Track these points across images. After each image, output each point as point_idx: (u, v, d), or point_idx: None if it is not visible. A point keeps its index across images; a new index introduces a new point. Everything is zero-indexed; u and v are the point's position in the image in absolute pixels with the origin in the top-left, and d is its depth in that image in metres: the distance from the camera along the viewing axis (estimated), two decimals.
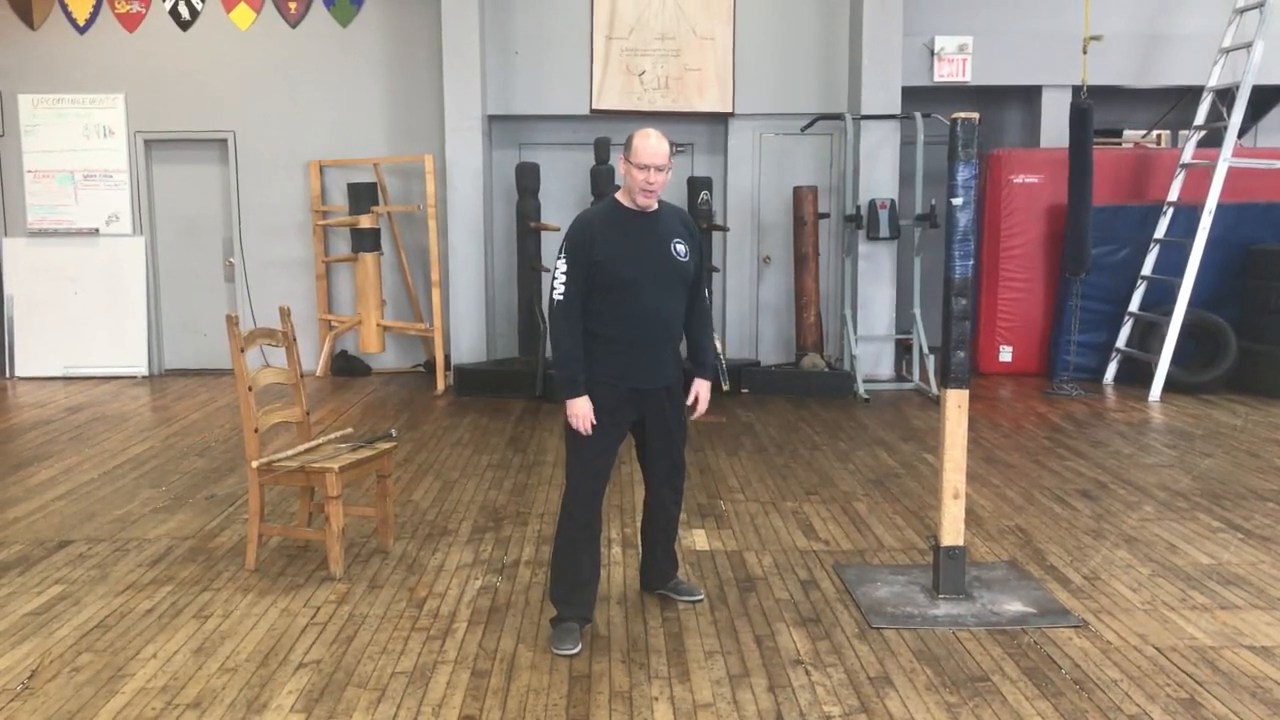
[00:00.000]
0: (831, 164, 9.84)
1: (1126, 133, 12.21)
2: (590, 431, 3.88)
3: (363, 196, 9.43)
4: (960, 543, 4.27)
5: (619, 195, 3.99)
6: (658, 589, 4.36)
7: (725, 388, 8.77)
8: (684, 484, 4.32)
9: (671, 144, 3.94)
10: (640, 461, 4.22)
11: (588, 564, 3.99)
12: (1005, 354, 9.73)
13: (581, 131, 9.59)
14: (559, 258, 3.92)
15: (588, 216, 4.03)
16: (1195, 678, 3.60)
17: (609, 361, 3.92)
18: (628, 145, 3.90)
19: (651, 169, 3.83)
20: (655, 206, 3.98)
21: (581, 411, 3.87)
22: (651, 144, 3.83)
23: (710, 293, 4.27)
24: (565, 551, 3.98)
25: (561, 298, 3.88)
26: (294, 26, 9.86)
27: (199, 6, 9.79)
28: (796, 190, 9.31)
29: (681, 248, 3.97)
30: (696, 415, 4.18)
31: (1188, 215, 8.88)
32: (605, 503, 4.14)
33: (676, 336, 4.05)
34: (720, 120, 9.77)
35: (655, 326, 3.92)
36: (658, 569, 4.35)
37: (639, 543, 4.46)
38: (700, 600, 4.32)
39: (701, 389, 4.17)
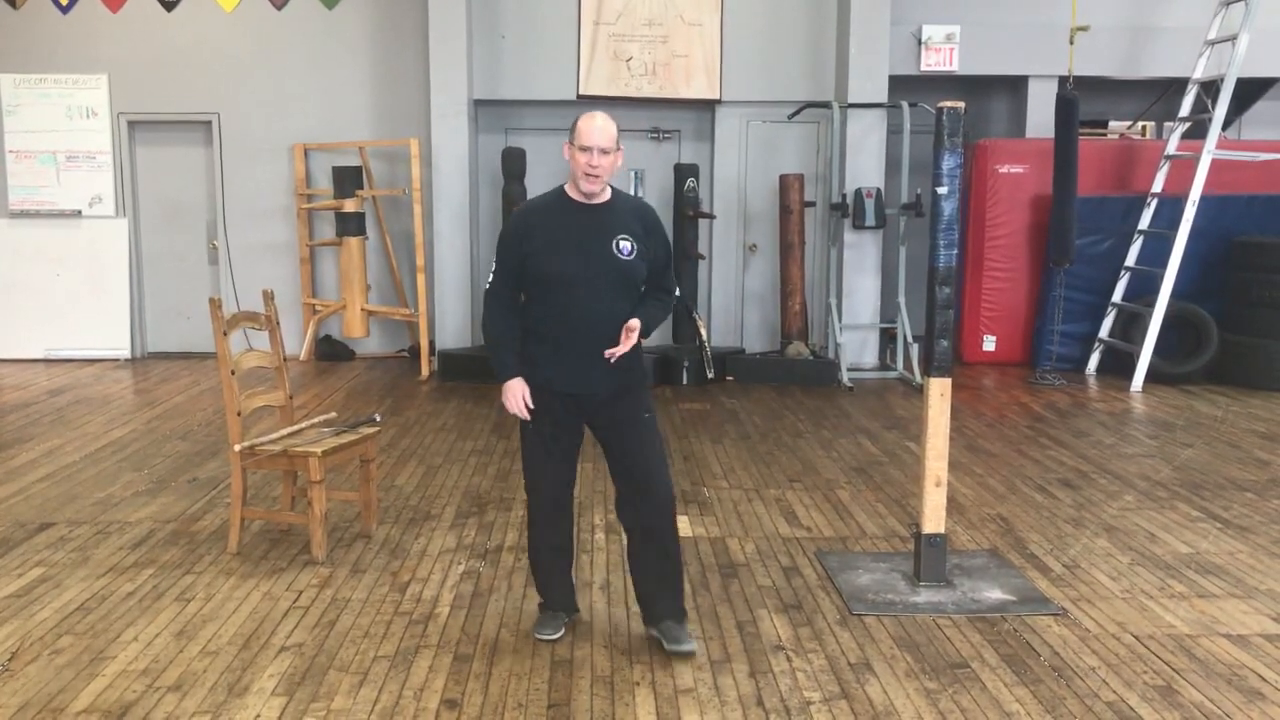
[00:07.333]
0: (818, 152, 9.84)
1: (1112, 124, 12.27)
2: (527, 415, 3.61)
3: (347, 180, 9.39)
4: (942, 530, 4.30)
5: (566, 185, 3.67)
6: (649, 627, 3.81)
7: (710, 375, 8.78)
8: (662, 508, 3.66)
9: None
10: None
11: (557, 577, 3.88)
12: (989, 343, 9.76)
13: (568, 117, 9.37)
14: None
15: (527, 206, 3.81)
16: (1172, 665, 3.63)
17: (542, 362, 3.62)
18: (572, 128, 3.58)
19: (595, 151, 3.49)
20: (605, 197, 3.63)
21: (513, 393, 3.59)
22: (596, 124, 3.51)
23: (674, 282, 3.85)
24: (535, 561, 3.93)
25: (488, 286, 3.68)
26: (279, 9, 9.78)
27: None
28: (783, 178, 9.30)
29: (626, 245, 3.57)
30: (615, 350, 3.54)
31: (1172, 207, 8.91)
32: (581, 492, 4.13)
33: (617, 341, 3.55)
34: (707, 107, 9.74)
35: (589, 328, 3.55)
36: (649, 606, 3.79)
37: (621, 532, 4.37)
38: (691, 653, 3.67)
39: (629, 324, 3.55)
